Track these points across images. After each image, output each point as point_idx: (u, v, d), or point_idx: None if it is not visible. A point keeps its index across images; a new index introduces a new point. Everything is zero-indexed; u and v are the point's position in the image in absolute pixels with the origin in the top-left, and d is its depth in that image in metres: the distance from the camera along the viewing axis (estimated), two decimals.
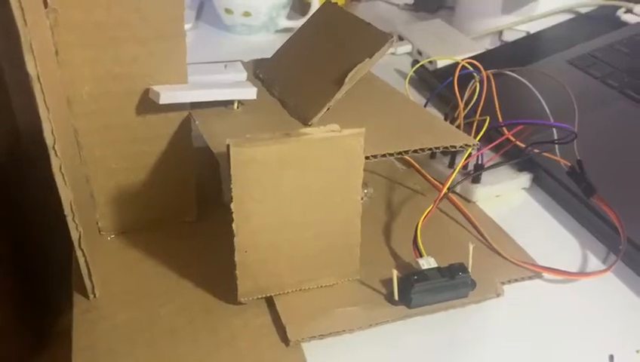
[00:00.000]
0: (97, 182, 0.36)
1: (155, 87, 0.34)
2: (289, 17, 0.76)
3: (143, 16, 0.32)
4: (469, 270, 0.33)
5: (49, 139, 0.28)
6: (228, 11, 0.72)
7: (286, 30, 0.75)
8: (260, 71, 0.44)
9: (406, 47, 0.70)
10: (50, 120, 0.27)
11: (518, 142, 0.43)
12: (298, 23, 0.72)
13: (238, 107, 0.38)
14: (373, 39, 0.36)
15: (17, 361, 0.42)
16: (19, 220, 0.39)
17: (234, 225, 0.30)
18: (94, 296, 0.33)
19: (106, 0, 0.31)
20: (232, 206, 0.30)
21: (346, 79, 0.36)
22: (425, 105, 0.49)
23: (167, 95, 0.33)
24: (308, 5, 0.73)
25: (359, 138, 0.30)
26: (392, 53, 0.69)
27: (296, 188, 0.30)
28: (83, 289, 0.33)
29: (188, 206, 0.40)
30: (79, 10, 0.31)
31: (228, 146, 0.28)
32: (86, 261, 0.32)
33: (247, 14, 0.72)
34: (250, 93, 0.37)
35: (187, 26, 0.75)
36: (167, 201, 0.39)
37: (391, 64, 0.67)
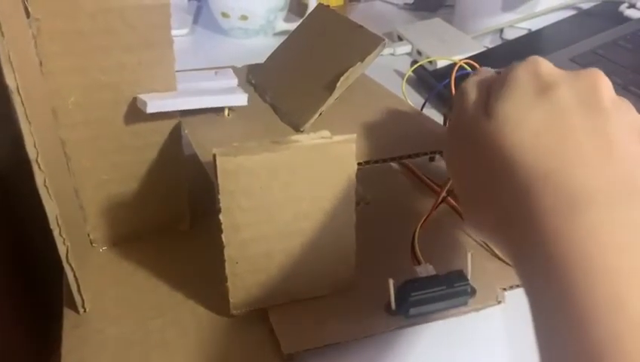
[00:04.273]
0: (87, 194, 0.35)
1: (143, 96, 0.33)
2: (287, 20, 0.75)
3: (128, 24, 0.32)
4: (469, 277, 0.32)
5: (31, 153, 0.27)
6: (225, 15, 0.71)
7: (284, 33, 0.74)
8: (253, 76, 0.43)
9: (405, 48, 0.69)
10: (32, 133, 0.27)
11: None
12: (296, 25, 0.71)
13: (228, 114, 0.37)
14: (365, 42, 0.36)
15: None
16: (19, 227, 0.39)
17: (223, 236, 0.29)
18: (84, 311, 0.33)
19: (90, 8, 0.31)
20: (221, 216, 0.29)
21: (338, 83, 0.35)
22: (423, 106, 0.48)
23: (155, 103, 0.32)
24: (305, 6, 0.73)
25: (350, 144, 0.29)
26: (392, 54, 0.68)
27: (286, 197, 0.30)
28: (73, 303, 0.32)
29: (181, 215, 0.39)
30: (63, 18, 0.30)
31: (214, 155, 0.27)
32: (75, 275, 0.31)
33: (244, 18, 0.71)
34: (240, 99, 0.36)
35: (184, 31, 0.74)
36: (160, 211, 0.38)
37: (390, 65, 0.66)
